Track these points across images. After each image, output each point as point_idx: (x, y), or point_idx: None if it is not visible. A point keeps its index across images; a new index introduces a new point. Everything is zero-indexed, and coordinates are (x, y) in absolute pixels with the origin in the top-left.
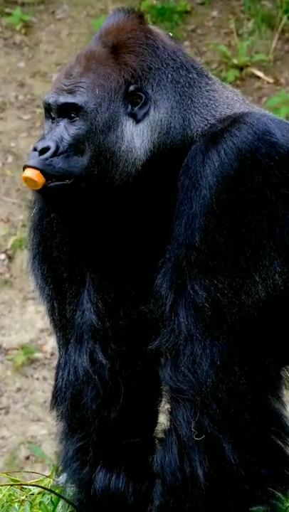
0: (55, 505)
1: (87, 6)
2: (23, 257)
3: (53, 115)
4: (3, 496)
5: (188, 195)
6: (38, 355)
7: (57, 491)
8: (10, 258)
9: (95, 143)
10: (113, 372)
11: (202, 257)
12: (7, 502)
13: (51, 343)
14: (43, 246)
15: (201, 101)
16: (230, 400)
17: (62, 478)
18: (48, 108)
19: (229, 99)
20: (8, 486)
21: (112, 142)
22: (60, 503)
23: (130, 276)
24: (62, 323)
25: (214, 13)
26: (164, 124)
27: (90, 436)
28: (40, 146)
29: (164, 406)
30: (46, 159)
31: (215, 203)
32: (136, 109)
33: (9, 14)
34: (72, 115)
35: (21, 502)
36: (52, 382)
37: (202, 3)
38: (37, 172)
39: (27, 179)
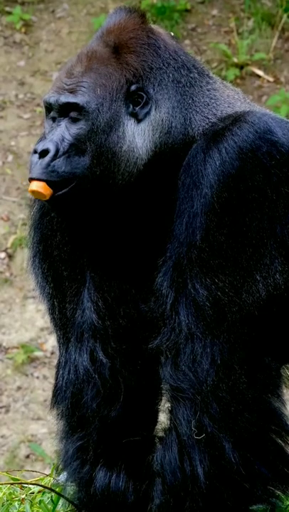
0: (55, 504)
1: (87, 5)
2: (23, 256)
3: (53, 114)
4: (4, 494)
5: (190, 193)
6: (38, 353)
7: (57, 490)
8: (10, 257)
9: (97, 143)
10: (113, 371)
11: (203, 255)
12: (7, 501)
13: (51, 341)
14: (43, 245)
15: (202, 100)
16: (230, 398)
17: (63, 476)
18: (48, 107)
19: (230, 98)
20: (9, 485)
21: (113, 142)
22: (61, 501)
23: (131, 275)
24: (63, 322)
25: (214, 11)
26: (166, 124)
27: (90, 435)
28: (40, 148)
29: (164, 405)
30: (48, 165)
31: (216, 201)
32: (137, 108)
33: (9, 13)
34: (73, 115)
35: (21, 501)
36: (52, 380)
37: (202, 2)
38: (42, 184)
39: (34, 192)
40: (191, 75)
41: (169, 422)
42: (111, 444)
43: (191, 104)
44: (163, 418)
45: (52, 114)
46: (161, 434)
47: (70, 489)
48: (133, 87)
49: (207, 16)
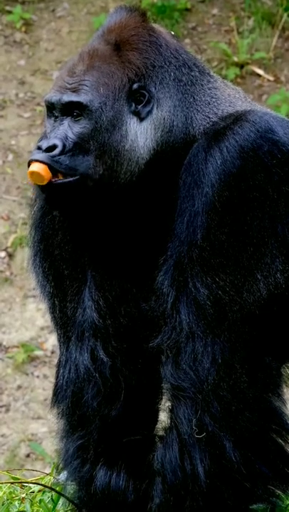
0: (55, 503)
1: (88, 4)
2: (24, 255)
3: (55, 114)
4: (4, 493)
5: (190, 192)
6: (38, 353)
7: (57, 489)
8: (10, 256)
9: (100, 142)
10: (114, 370)
11: (204, 254)
12: (7, 500)
13: (51, 340)
14: (44, 244)
15: (203, 99)
16: (231, 397)
17: (63, 476)
18: (50, 106)
19: (231, 97)
20: (9, 484)
21: (116, 141)
22: (61, 500)
23: (131, 274)
24: (63, 321)
25: (214, 10)
26: (167, 123)
27: (90, 434)
28: (45, 145)
29: (165, 404)
30: (54, 156)
31: (217, 200)
32: (140, 107)
33: (10, 12)
34: (76, 114)
35: (22, 500)
36: (52, 380)
37: (202, 1)
38: (44, 166)
39: (33, 173)
40: (192, 74)
41: (169, 421)
42: (111, 443)
43: (192, 103)
44: (163, 417)
45: (54, 113)
46: (161, 433)
47: (71, 488)
48: (135, 86)
49: (207, 15)
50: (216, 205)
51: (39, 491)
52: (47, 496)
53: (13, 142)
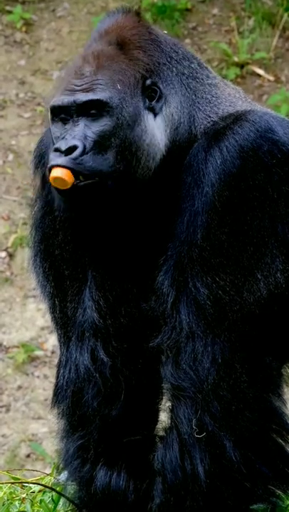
0: (55, 503)
1: (88, 4)
2: (24, 255)
3: (66, 116)
4: (4, 494)
5: (191, 192)
6: (38, 353)
7: (58, 489)
8: (11, 256)
9: (122, 138)
10: (114, 370)
11: (204, 254)
12: (8, 500)
13: (52, 341)
14: (44, 244)
15: (204, 96)
16: (231, 397)
17: (63, 476)
18: (59, 110)
19: (231, 97)
20: (9, 484)
21: (138, 136)
22: (61, 501)
23: (132, 274)
24: (64, 321)
25: (215, 10)
26: (175, 119)
27: (90, 434)
28: (64, 146)
29: (165, 404)
30: (76, 158)
31: (217, 200)
32: (153, 103)
33: (10, 12)
34: (94, 112)
35: (22, 500)
36: (52, 380)
37: (203, 1)
38: (67, 171)
39: (56, 179)
40: (192, 66)
41: (169, 421)
42: (112, 443)
43: (194, 100)
44: (163, 417)
45: (64, 116)
46: (161, 433)
47: (71, 488)
48: (148, 82)
49: (208, 15)
50: (216, 205)
51: (39, 491)
52: (47, 496)
53: (13, 142)
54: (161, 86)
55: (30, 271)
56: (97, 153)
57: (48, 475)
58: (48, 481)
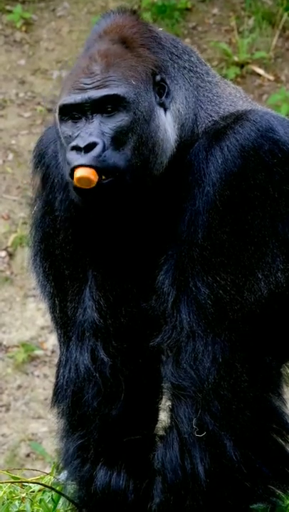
0: (55, 502)
1: (88, 4)
2: (24, 255)
3: (78, 114)
4: (4, 493)
5: (191, 191)
6: (38, 352)
7: (57, 489)
8: (10, 255)
9: (139, 133)
10: (114, 370)
11: (205, 253)
12: (8, 499)
13: (52, 340)
14: (45, 243)
15: (205, 94)
16: (231, 396)
17: (63, 475)
18: (70, 109)
19: (232, 96)
20: (9, 484)
21: (154, 131)
22: (61, 500)
23: (132, 274)
24: (64, 321)
25: (215, 10)
26: (182, 114)
27: (90, 434)
28: (82, 144)
29: (165, 403)
30: (99, 156)
31: (218, 199)
32: (163, 98)
33: (10, 12)
34: (110, 108)
35: (22, 499)
36: (52, 379)
37: (203, 1)
38: (91, 170)
39: (81, 179)
40: (192, 59)
41: (169, 421)
42: (111, 443)
43: (197, 97)
44: (163, 417)
45: (74, 114)
46: (161, 432)
47: (71, 488)
48: (158, 78)
49: (208, 15)
50: (217, 205)
51: (39, 490)
52: (47, 496)
53: (13, 142)
54: (168, 82)
55: (30, 270)
56: (116, 150)
57: (47, 474)
58: (48, 480)
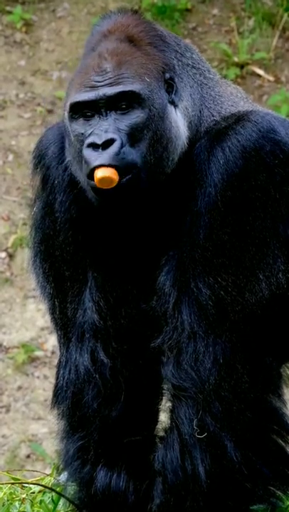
0: (55, 503)
1: (88, 4)
2: (24, 255)
3: (90, 112)
4: (4, 494)
5: (193, 192)
6: (38, 353)
7: (58, 490)
8: (10, 256)
9: (154, 130)
10: (114, 371)
11: (206, 254)
12: (8, 500)
13: (52, 341)
14: (45, 245)
15: (209, 92)
16: (232, 397)
17: (63, 476)
18: (82, 106)
19: (233, 96)
20: (9, 485)
21: (167, 128)
22: (61, 501)
23: (132, 275)
24: (64, 322)
25: (215, 11)
26: (189, 111)
27: (90, 435)
28: (99, 140)
29: (166, 404)
30: (118, 153)
31: (220, 200)
32: (173, 96)
33: (10, 12)
34: (125, 105)
35: (22, 500)
36: (52, 380)
37: (203, 1)
38: (113, 170)
39: (104, 179)
40: (194, 56)
41: (170, 421)
42: (112, 444)
43: (202, 94)
44: (164, 417)
45: (86, 112)
46: (161, 433)
47: (71, 489)
48: (167, 75)
49: (208, 16)
50: (218, 205)
51: (39, 491)
52: (47, 497)
53: (13, 143)
54: (176, 80)
55: (30, 271)
56: (132, 147)
57: (48, 475)
58: (48, 481)
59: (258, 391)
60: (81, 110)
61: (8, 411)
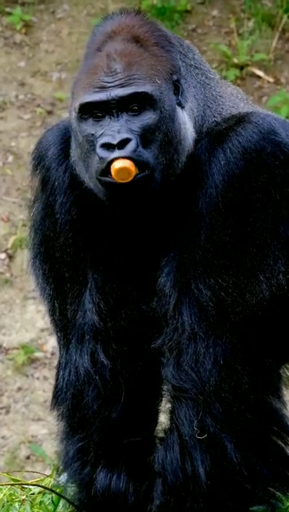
0: (55, 504)
1: (88, 5)
2: (24, 257)
3: (100, 113)
4: (4, 495)
5: (194, 193)
6: (38, 354)
7: (57, 491)
8: (10, 257)
9: (165, 131)
10: (114, 373)
11: (207, 255)
12: (8, 502)
13: (52, 342)
14: (45, 246)
15: (211, 92)
16: (232, 399)
17: (63, 477)
18: (93, 107)
19: (234, 97)
20: (9, 486)
21: (178, 130)
22: (61, 502)
23: (132, 276)
24: (63, 323)
25: (214, 12)
26: (194, 112)
27: (90, 437)
28: (114, 140)
29: (166, 405)
30: (135, 150)
31: (220, 201)
32: (179, 97)
33: (9, 14)
34: (135, 107)
35: (22, 501)
36: (52, 381)
37: (202, 3)
38: (130, 161)
39: (122, 170)
40: (196, 57)
41: (170, 423)
42: (112, 445)
43: (205, 94)
44: (163, 419)
45: (96, 113)
46: (161, 434)
47: (71, 490)
48: (175, 77)
49: (207, 17)
50: (219, 207)
51: (39, 492)
52: (47, 498)
53: (13, 144)
54: (182, 81)
55: (29, 273)
56: (144, 148)
57: (47, 476)
58: (48, 482)
59: (258, 392)
60: (91, 111)
61: (8, 412)
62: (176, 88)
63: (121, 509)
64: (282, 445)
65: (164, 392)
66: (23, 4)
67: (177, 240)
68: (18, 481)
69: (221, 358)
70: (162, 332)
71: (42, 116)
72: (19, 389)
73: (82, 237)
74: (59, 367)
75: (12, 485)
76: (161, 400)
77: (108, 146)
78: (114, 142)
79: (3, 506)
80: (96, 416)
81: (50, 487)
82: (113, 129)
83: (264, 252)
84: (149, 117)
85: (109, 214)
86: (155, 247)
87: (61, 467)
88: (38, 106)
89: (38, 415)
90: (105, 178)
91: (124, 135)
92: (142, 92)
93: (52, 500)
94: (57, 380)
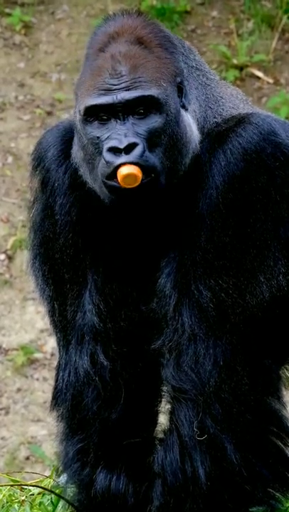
0: (55, 505)
1: (87, 6)
2: (23, 258)
3: (106, 116)
4: (4, 496)
5: (194, 194)
6: (38, 355)
7: (57, 492)
8: (10, 258)
9: (170, 134)
10: (114, 374)
11: (207, 256)
12: (7, 502)
13: (51, 343)
14: (44, 247)
15: (212, 93)
16: (232, 399)
17: (63, 478)
18: (99, 110)
19: (234, 98)
20: (8, 487)
21: (183, 133)
22: (61, 503)
23: (132, 277)
24: (63, 324)
25: (214, 13)
26: (197, 113)
27: (90, 437)
28: (121, 145)
29: (165, 406)
30: (142, 156)
31: (221, 202)
32: (183, 100)
33: (9, 14)
34: (143, 110)
35: (21, 502)
36: (52, 382)
37: (202, 4)
38: (137, 168)
39: (129, 176)
40: (196, 58)
41: (169, 424)
42: (111, 446)
43: (207, 95)
44: (163, 419)
45: (102, 116)
46: (161, 435)
47: (70, 491)
48: (178, 79)
49: (207, 18)
50: (219, 208)
51: (39, 493)
52: (47, 499)
53: (12, 145)
54: (185, 83)
55: (29, 274)
56: (150, 151)
57: (47, 477)
58: (48, 483)
59: (257, 393)
60: (96, 113)
61: (7, 413)
62: (180, 90)
63: (121, 510)
64: (282, 446)
65: (163, 393)
66: (22, 5)
67: (177, 240)
68: (18, 481)
69: (220, 359)
70: (162, 333)
71: (41, 117)
72: (19, 390)
73: (82, 238)
74: (59, 368)
75: (11, 486)
76: (161, 401)
77: (115, 151)
78: (121, 146)
79: (2, 507)
80: (96, 417)
81: (49, 488)
82: (119, 133)
83: (264, 253)
84: (155, 121)
85: (111, 215)
86: (155, 248)
87: (61, 468)
88: (38, 107)
89: (38, 416)
90: (111, 182)
91: (132, 139)
92: (148, 96)
93: (51, 501)
94: (56, 381)
